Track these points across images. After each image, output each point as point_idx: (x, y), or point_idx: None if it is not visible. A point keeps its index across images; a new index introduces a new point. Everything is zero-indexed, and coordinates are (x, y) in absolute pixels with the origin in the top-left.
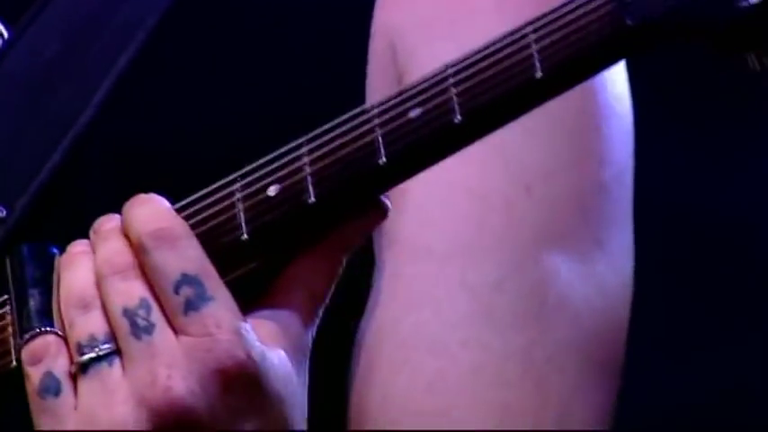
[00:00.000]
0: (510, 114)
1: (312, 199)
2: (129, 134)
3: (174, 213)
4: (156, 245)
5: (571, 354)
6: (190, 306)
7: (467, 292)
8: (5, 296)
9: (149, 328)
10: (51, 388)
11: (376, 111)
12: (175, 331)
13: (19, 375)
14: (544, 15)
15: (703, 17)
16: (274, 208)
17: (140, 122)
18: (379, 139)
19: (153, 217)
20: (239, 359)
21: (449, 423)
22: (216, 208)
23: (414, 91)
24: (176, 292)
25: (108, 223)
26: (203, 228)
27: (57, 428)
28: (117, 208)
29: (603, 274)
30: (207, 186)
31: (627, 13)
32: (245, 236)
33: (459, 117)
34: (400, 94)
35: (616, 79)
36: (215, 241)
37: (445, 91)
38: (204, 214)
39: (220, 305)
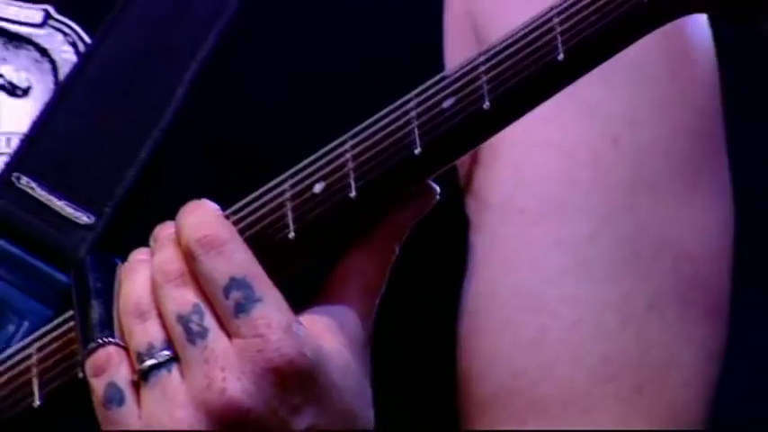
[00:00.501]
0: (536, 98)
1: (354, 193)
2: (214, 127)
3: (221, 219)
4: (203, 251)
5: (671, 301)
6: (240, 309)
7: (561, 249)
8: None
9: (203, 333)
10: (115, 398)
11: (413, 102)
12: (228, 334)
13: (86, 386)
14: None
15: None
16: (319, 205)
17: (224, 115)
18: (415, 130)
19: (200, 224)
20: (290, 356)
21: (552, 379)
22: (266, 209)
23: (449, 80)
24: (226, 296)
25: (164, 230)
26: (254, 229)
27: None
28: None
29: (699, 217)
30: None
31: None
32: (293, 233)
33: (487, 104)
34: (436, 83)
35: (697, 24)
36: (265, 242)
37: (476, 79)
38: (255, 216)
39: (269, 305)
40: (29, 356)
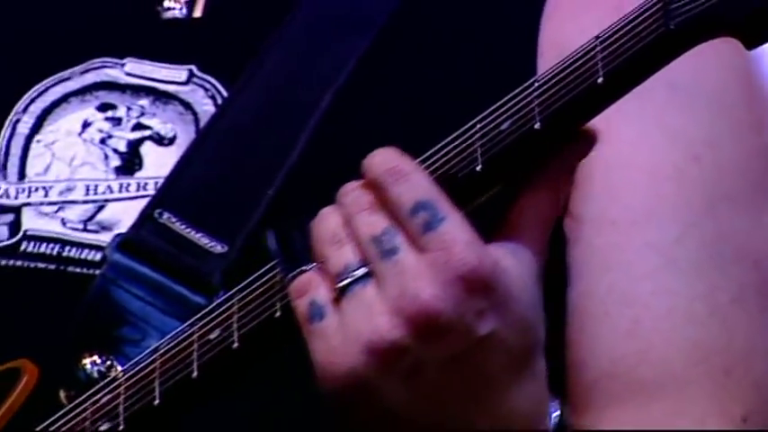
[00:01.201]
0: (581, 117)
1: (538, 125)
2: (332, 170)
3: (402, 154)
4: (391, 180)
5: (753, 295)
6: (427, 227)
7: (651, 250)
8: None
9: (395, 250)
10: (317, 314)
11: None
12: (417, 250)
13: (283, 323)
14: (610, 27)
15: (729, 15)
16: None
17: (342, 161)
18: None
19: (386, 159)
20: (473, 266)
21: (648, 363)
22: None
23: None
24: (414, 217)
25: (350, 185)
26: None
27: (327, 347)
28: None
29: None
30: None
31: (669, 19)
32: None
33: (538, 124)
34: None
35: (763, 56)
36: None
37: (530, 103)
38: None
39: (453, 223)
40: (231, 306)
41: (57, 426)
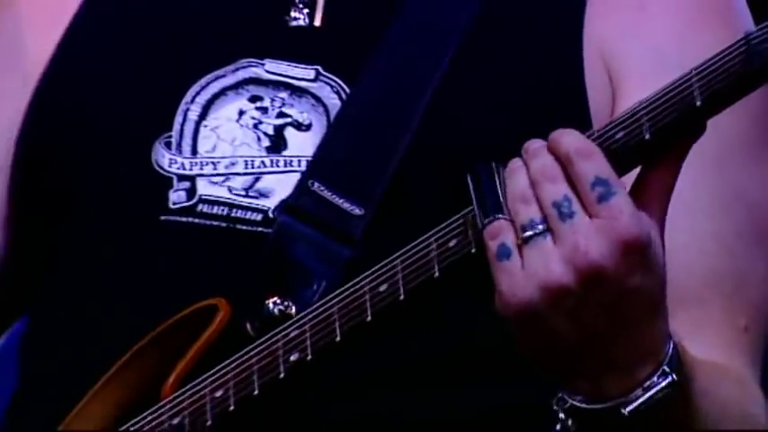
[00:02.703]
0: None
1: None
2: (447, 144)
3: (586, 140)
4: (578, 158)
5: (751, 231)
6: (601, 198)
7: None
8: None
9: (571, 215)
10: (504, 254)
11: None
12: (590, 216)
13: (475, 259)
14: (705, 62)
15: None
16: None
17: (453, 132)
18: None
19: (575, 140)
20: (635, 234)
21: (673, 284)
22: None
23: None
24: (592, 188)
25: (533, 145)
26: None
27: (510, 281)
28: (443, 205)
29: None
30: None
31: (755, 58)
32: (648, 136)
33: (647, 135)
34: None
35: None
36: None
37: (639, 119)
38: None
39: (622, 197)
40: (429, 245)
41: (254, 353)
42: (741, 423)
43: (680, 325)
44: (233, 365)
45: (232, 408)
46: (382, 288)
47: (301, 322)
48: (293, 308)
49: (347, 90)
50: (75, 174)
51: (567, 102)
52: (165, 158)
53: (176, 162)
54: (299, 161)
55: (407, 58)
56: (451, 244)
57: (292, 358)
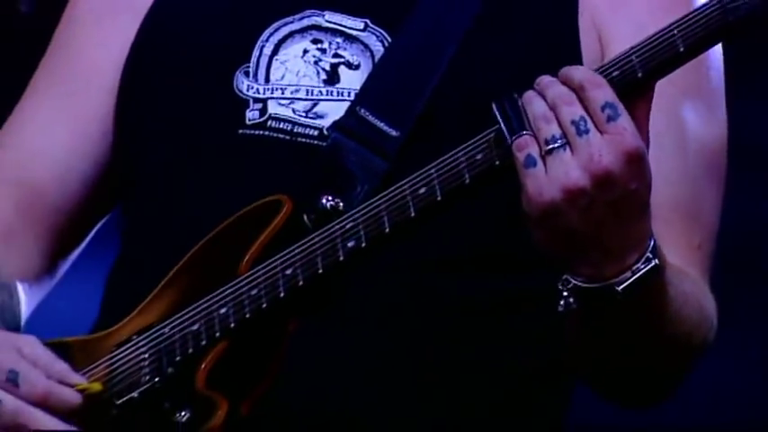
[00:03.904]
0: (665, 71)
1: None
2: (468, 84)
3: (596, 74)
4: (590, 85)
5: (705, 166)
6: (610, 119)
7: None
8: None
9: (587, 131)
10: (531, 162)
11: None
12: (601, 132)
13: (498, 171)
14: (684, 16)
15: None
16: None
17: (473, 75)
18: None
19: (586, 72)
20: (636, 145)
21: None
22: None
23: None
24: (602, 111)
25: (546, 78)
26: (619, 79)
27: (536, 185)
28: (464, 131)
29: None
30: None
31: (729, 14)
32: (641, 74)
33: (640, 74)
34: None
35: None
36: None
37: (630, 60)
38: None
39: (625, 118)
40: (458, 159)
41: (316, 240)
42: (698, 312)
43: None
44: (298, 250)
45: (301, 283)
46: (421, 191)
47: (354, 217)
48: (341, 204)
49: (389, 39)
50: (168, 94)
51: (565, 59)
52: (243, 84)
53: (252, 87)
54: (349, 92)
55: (439, 15)
56: (478, 157)
57: (349, 245)
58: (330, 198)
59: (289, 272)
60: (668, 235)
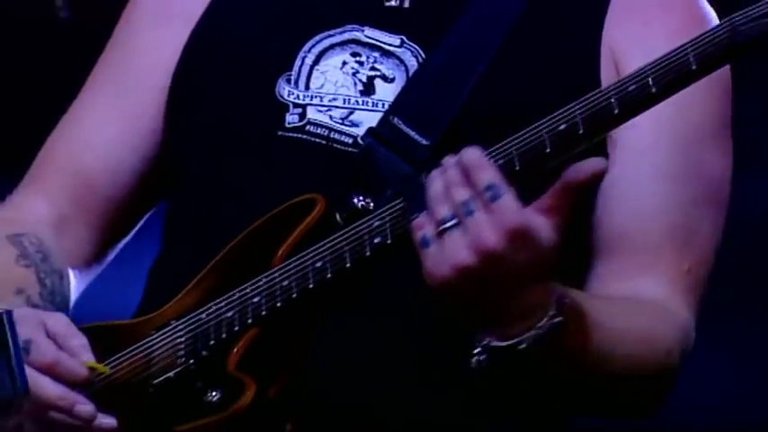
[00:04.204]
0: (678, 88)
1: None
2: (493, 100)
3: (486, 159)
4: (474, 169)
5: (703, 196)
6: (493, 198)
7: (649, 168)
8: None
9: (472, 212)
10: (425, 243)
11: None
12: (486, 212)
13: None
14: (699, 36)
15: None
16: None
17: (498, 93)
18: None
19: (473, 156)
20: (518, 223)
21: (639, 231)
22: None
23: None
24: (486, 191)
25: (449, 160)
26: (507, 160)
27: (431, 263)
28: (485, 143)
29: (717, 159)
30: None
31: (739, 35)
32: (654, 89)
33: (654, 89)
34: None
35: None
36: (512, 169)
37: (646, 77)
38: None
39: (508, 197)
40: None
41: (345, 236)
42: (645, 343)
43: (638, 264)
44: (328, 245)
45: (329, 276)
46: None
47: (381, 215)
48: (372, 204)
49: (423, 56)
50: (213, 96)
51: (585, 83)
52: (285, 90)
53: (293, 93)
54: (383, 104)
55: (470, 37)
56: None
57: (375, 241)
58: (361, 198)
59: (319, 265)
60: (658, 260)
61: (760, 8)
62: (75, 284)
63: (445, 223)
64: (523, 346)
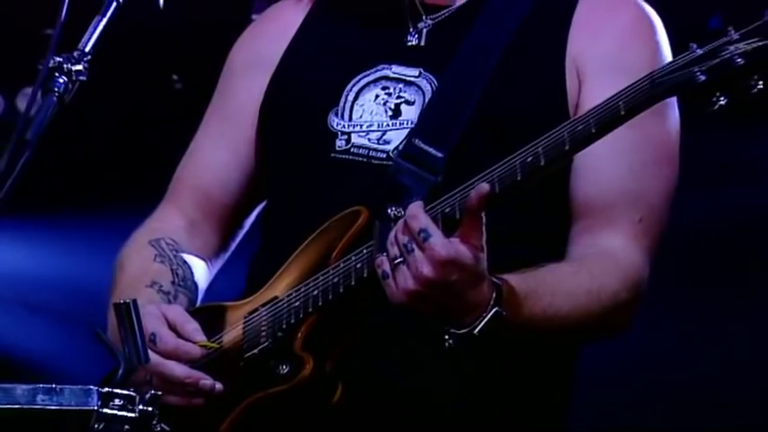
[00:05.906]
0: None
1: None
2: (493, 116)
3: (420, 206)
4: (409, 219)
5: (654, 166)
6: (425, 239)
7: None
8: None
9: (412, 251)
10: (385, 276)
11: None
12: (421, 250)
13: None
14: (625, 89)
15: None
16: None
17: (496, 108)
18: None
19: (411, 210)
20: (446, 253)
21: (601, 197)
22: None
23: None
24: (419, 234)
25: (400, 223)
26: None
27: (390, 291)
28: (490, 153)
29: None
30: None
31: (659, 86)
32: (595, 130)
33: (593, 130)
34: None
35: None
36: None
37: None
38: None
39: (437, 237)
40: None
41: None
42: (586, 294)
43: (598, 221)
44: (366, 249)
45: (365, 275)
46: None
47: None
48: (403, 213)
49: (437, 83)
50: (283, 127)
51: (555, 94)
52: (334, 121)
53: (340, 124)
54: (409, 122)
55: (469, 65)
56: (358, 266)
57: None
58: (394, 209)
59: (359, 266)
60: (615, 215)
61: (672, 65)
62: (208, 272)
63: (396, 260)
64: (477, 330)
